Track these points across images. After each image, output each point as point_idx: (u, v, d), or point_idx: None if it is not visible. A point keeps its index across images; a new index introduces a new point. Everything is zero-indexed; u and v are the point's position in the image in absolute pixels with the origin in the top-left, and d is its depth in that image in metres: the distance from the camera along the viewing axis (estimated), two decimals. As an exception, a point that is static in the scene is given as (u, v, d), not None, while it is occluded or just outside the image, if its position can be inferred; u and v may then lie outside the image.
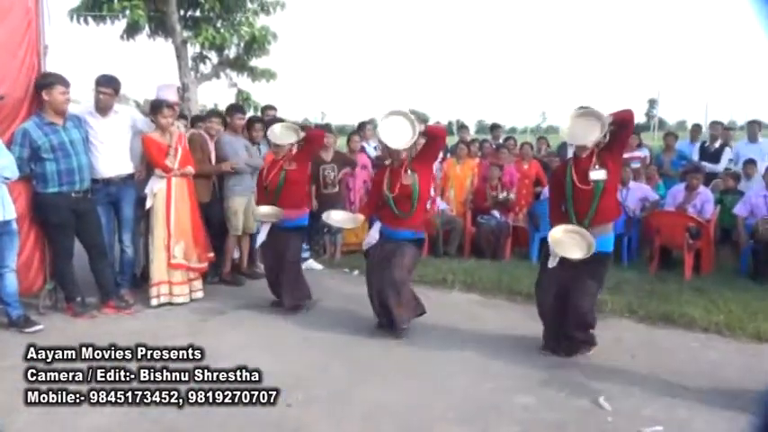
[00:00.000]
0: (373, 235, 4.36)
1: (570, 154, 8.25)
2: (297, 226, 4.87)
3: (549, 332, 3.96)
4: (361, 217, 4.54)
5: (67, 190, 4.49)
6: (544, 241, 6.71)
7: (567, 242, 3.63)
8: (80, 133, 4.60)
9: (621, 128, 3.61)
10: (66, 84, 4.44)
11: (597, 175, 3.62)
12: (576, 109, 3.68)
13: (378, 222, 4.45)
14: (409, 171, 4.19)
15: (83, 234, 4.66)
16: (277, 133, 4.75)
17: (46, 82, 4.42)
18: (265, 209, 4.74)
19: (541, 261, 4.09)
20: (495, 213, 6.96)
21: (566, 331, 3.83)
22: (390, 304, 4.15)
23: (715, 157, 7.91)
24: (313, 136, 4.90)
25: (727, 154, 7.89)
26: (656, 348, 3.99)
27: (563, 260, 3.62)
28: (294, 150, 4.83)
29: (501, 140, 8.77)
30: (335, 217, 4.60)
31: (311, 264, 6.40)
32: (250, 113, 8.28)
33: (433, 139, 4.25)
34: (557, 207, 3.88)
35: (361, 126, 7.56)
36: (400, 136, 4.07)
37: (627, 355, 3.86)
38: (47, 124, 4.40)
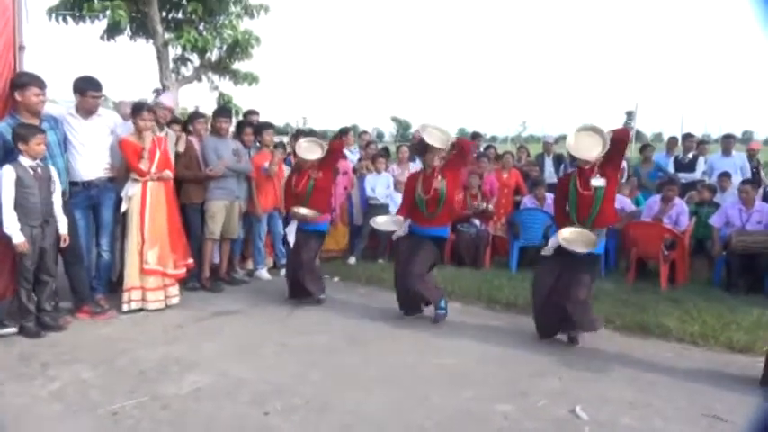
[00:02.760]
0: (403, 230, 4.86)
1: (549, 164, 8.43)
2: (317, 230, 5.30)
3: (543, 324, 4.39)
4: (401, 218, 4.93)
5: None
6: (523, 250, 6.84)
7: (575, 240, 4.12)
8: (56, 135, 4.50)
9: (620, 143, 4.09)
10: (41, 85, 4.32)
11: (598, 182, 4.08)
12: (580, 125, 4.13)
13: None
14: (439, 177, 4.71)
15: None
16: (303, 147, 5.18)
17: (20, 82, 4.30)
18: (304, 210, 5.14)
19: (539, 262, 4.54)
20: (475, 222, 7.00)
21: (565, 317, 4.18)
22: (417, 290, 4.69)
23: (690, 167, 8.10)
24: (334, 147, 5.42)
25: (701, 163, 8.08)
26: (632, 358, 4.04)
27: (558, 255, 4.14)
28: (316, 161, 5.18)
29: (481, 149, 8.83)
30: (380, 221, 5.17)
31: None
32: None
33: (461, 151, 4.82)
34: (561, 211, 4.36)
35: (343, 132, 7.55)
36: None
37: (603, 365, 3.91)
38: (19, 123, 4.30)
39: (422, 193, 4.72)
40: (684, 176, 7.92)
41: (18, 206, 4.06)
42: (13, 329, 4.17)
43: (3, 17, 4.49)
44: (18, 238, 4.06)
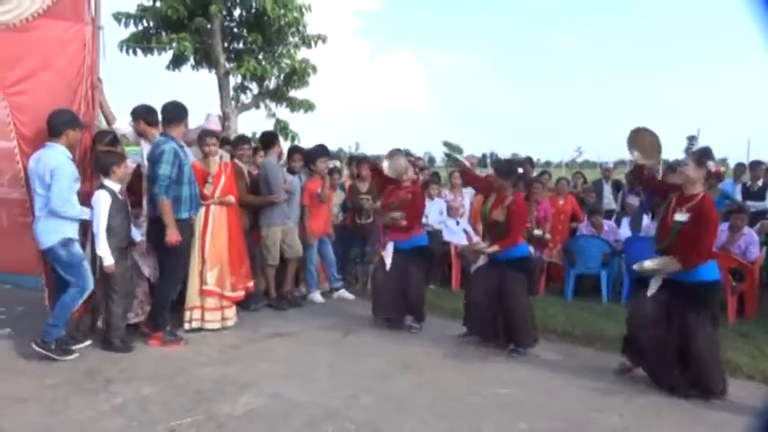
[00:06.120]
0: (483, 259, 4.75)
1: (608, 190, 8.16)
2: (417, 245, 5.26)
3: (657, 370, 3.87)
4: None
5: (194, 215, 4.66)
6: (580, 278, 6.65)
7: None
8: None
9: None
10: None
11: (679, 216, 3.69)
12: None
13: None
14: (502, 208, 4.54)
15: None
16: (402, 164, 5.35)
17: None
18: (396, 213, 5.19)
19: (634, 294, 4.15)
20: (530, 249, 6.86)
21: (690, 380, 3.73)
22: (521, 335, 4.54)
23: (759, 195, 7.70)
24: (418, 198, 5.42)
25: None
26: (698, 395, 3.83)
27: (662, 289, 3.74)
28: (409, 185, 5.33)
29: (535, 175, 8.69)
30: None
31: (343, 293, 6.40)
32: (287, 143, 8.45)
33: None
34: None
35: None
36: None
37: (668, 402, 3.72)
38: (182, 147, 4.53)
39: (486, 212, 4.66)
40: (754, 205, 7.53)
41: (109, 228, 4.21)
42: (86, 343, 4.35)
43: (82, 52, 4.79)
44: (109, 260, 4.22)
